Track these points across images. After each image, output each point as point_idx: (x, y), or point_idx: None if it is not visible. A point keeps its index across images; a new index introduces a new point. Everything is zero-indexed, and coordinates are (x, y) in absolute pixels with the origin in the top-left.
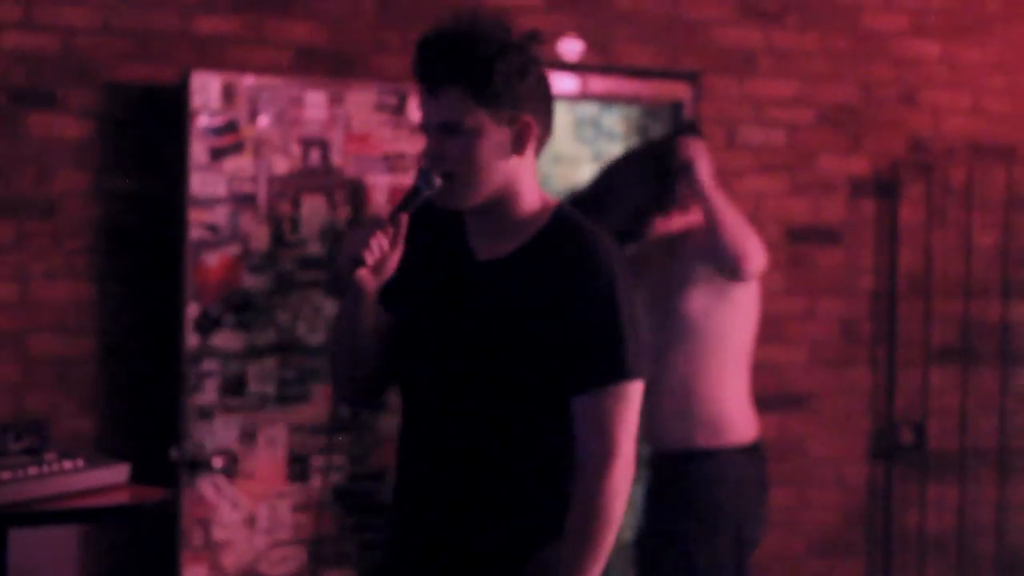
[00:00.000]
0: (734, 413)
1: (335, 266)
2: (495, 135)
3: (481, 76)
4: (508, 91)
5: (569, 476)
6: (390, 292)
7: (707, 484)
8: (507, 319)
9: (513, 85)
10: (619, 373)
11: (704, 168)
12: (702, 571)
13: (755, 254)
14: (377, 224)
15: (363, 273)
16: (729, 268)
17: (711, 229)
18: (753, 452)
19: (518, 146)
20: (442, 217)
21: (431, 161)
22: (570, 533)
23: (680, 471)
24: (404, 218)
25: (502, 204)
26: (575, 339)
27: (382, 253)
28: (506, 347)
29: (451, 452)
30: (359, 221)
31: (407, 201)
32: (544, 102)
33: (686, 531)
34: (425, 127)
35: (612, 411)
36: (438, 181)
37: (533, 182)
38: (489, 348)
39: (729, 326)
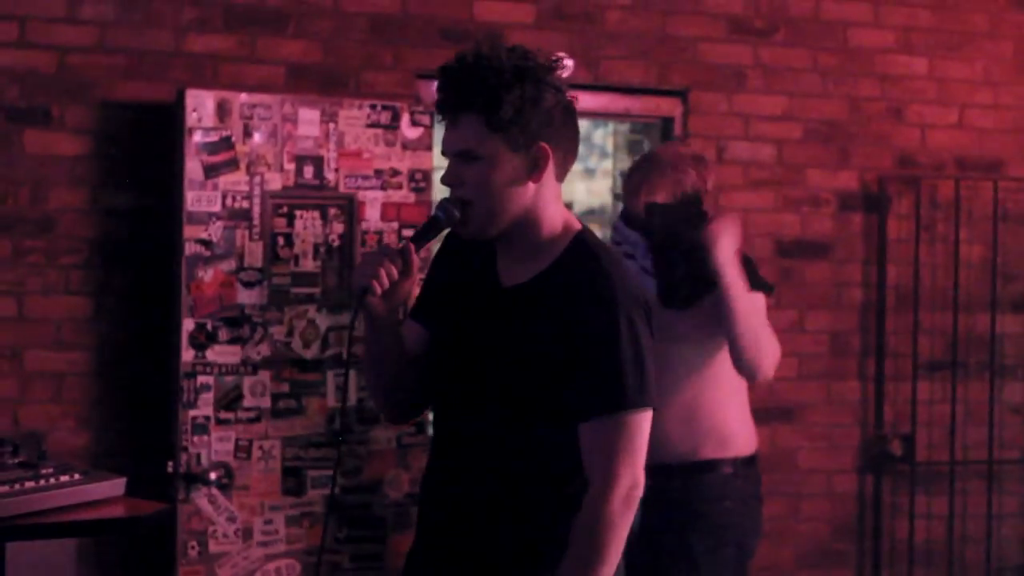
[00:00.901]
0: (738, 425)
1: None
2: (510, 162)
3: (494, 104)
4: (522, 118)
5: (581, 500)
6: (425, 311)
7: (714, 496)
8: (521, 345)
9: (527, 112)
10: (618, 404)
11: (725, 249)
12: None
13: (768, 366)
14: (387, 253)
15: (372, 301)
16: (743, 372)
17: (726, 324)
18: (753, 464)
19: (535, 172)
20: (473, 246)
21: (449, 187)
22: (567, 561)
23: (686, 483)
24: (412, 248)
25: (523, 230)
26: (578, 368)
27: (391, 281)
28: (519, 372)
29: (468, 470)
30: (378, 249)
31: (424, 232)
32: (563, 128)
33: (691, 544)
34: (444, 154)
35: (611, 441)
36: (457, 214)
37: (556, 207)
38: (504, 372)
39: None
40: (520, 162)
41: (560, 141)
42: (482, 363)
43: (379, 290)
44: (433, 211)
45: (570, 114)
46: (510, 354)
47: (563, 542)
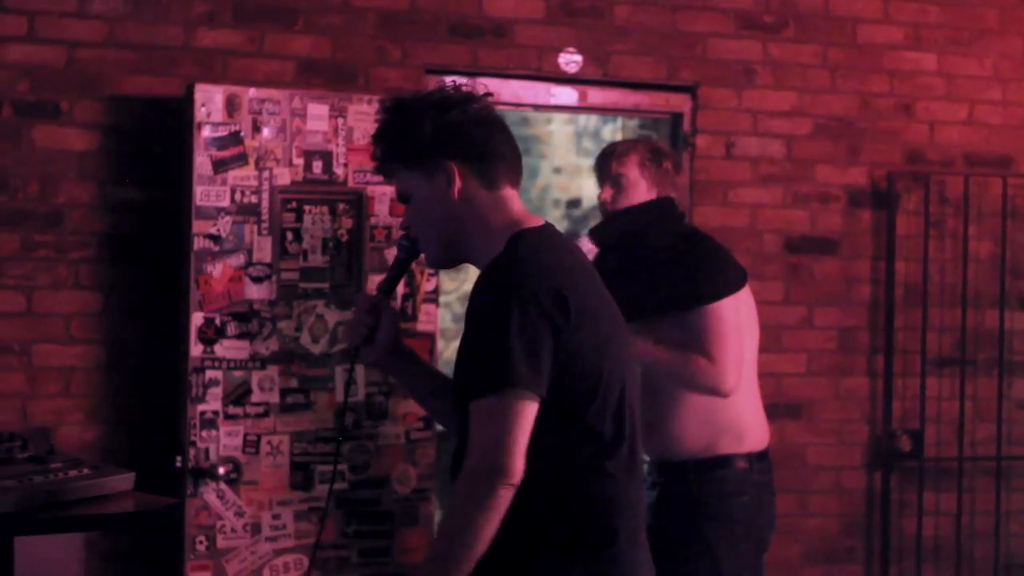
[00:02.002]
0: (752, 420)
1: None
2: (431, 188)
3: (393, 143)
4: (424, 147)
5: (559, 491)
6: None
7: (732, 492)
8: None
9: (418, 138)
10: (488, 387)
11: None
12: None
13: (720, 384)
14: (363, 309)
15: (364, 352)
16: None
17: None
18: (766, 458)
19: (449, 189)
20: None
21: (404, 230)
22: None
23: (703, 479)
24: (384, 299)
25: (466, 243)
26: (465, 355)
27: (369, 331)
28: (457, 369)
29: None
30: (357, 304)
31: (392, 276)
32: (472, 137)
33: (711, 540)
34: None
35: (476, 423)
36: (414, 247)
37: (497, 214)
38: (456, 375)
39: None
40: (437, 184)
41: (471, 151)
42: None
43: (359, 343)
44: (397, 251)
45: (482, 119)
46: (457, 357)
47: (510, 525)
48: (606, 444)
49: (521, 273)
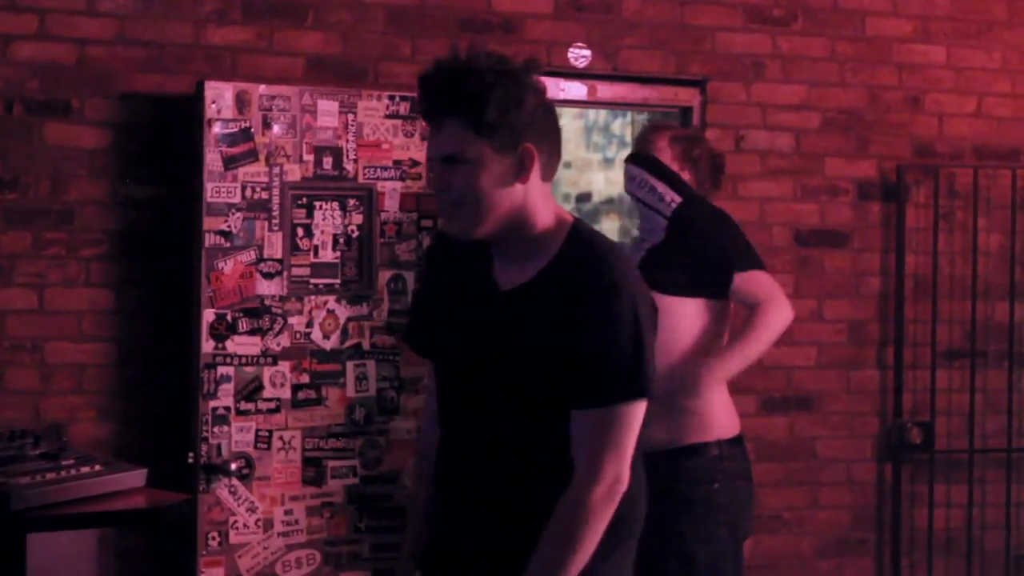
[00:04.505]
0: (717, 408)
1: None
2: (496, 164)
3: (477, 107)
4: (505, 121)
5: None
6: (420, 333)
7: (701, 479)
8: (525, 347)
9: (510, 114)
10: (610, 394)
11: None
12: (703, 569)
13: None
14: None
15: None
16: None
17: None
18: (738, 444)
19: (522, 174)
20: (467, 249)
21: (436, 191)
22: (541, 546)
23: (673, 468)
24: None
25: (515, 231)
26: (577, 356)
27: None
28: (527, 371)
29: (478, 473)
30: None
31: None
32: (546, 128)
33: (682, 530)
34: (430, 160)
35: (600, 432)
36: None
37: (545, 204)
38: (512, 373)
39: (701, 325)
40: (506, 164)
41: (543, 141)
42: (488, 367)
43: None
44: None
45: (550, 114)
46: (516, 355)
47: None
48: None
49: (624, 272)
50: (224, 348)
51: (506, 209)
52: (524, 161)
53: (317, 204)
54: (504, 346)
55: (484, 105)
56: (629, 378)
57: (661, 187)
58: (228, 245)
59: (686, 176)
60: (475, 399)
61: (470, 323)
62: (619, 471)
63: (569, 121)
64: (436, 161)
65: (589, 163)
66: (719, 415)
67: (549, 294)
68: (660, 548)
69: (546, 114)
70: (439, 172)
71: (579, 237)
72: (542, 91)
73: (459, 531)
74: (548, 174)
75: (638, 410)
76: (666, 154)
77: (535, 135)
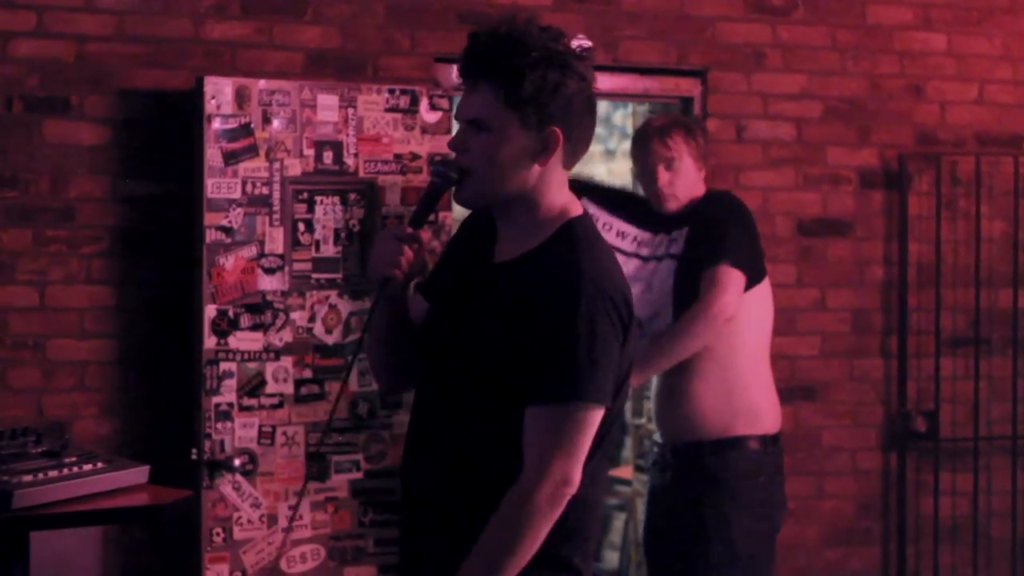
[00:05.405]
0: (766, 402)
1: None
2: (520, 139)
3: (514, 80)
4: (539, 99)
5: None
6: (428, 287)
7: (749, 472)
8: (488, 321)
9: (546, 94)
10: (563, 393)
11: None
12: (744, 560)
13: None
14: (402, 238)
15: (394, 285)
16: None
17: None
18: (778, 441)
19: (542, 155)
20: (487, 220)
21: (454, 151)
22: (480, 544)
23: (721, 459)
24: (419, 230)
25: (520, 209)
26: (532, 351)
27: (409, 266)
28: (482, 347)
29: (433, 446)
30: (386, 229)
31: (425, 205)
32: (581, 117)
33: (730, 517)
34: (457, 118)
35: (549, 431)
36: (454, 176)
37: (558, 192)
38: (470, 346)
39: (756, 318)
40: (529, 142)
41: (574, 129)
42: (454, 335)
43: (401, 277)
44: (430, 177)
45: (590, 105)
46: (477, 328)
47: None
48: (610, 449)
49: (593, 277)
50: (226, 344)
51: (517, 186)
52: (548, 143)
53: (318, 199)
54: (474, 315)
55: (521, 80)
56: (578, 381)
57: (621, 225)
58: (229, 241)
59: (703, 174)
60: (439, 366)
61: (459, 289)
62: (566, 472)
63: None
64: (462, 120)
65: (591, 155)
66: (765, 411)
67: (519, 279)
68: (705, 533)
69: (584, 103)
70: (462, 132)
71: (568, 233)
72: (588, 80)
73: (417, 506)
74: (570, 162)
75: (590, 415)
76: (685, 156)
77: (566, 121)
